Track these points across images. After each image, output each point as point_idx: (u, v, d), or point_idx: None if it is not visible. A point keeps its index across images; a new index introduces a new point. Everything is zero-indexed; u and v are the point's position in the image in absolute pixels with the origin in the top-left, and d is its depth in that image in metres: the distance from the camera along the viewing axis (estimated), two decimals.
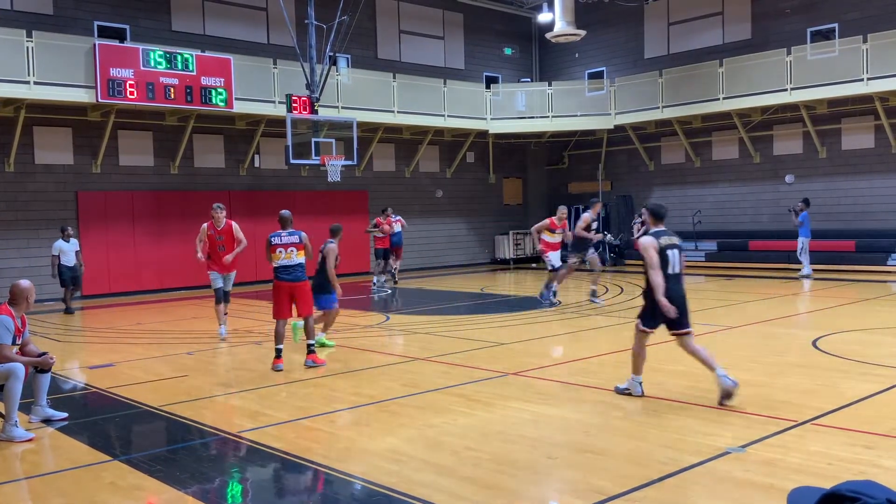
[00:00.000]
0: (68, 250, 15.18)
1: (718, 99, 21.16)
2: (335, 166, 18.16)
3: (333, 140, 18.51)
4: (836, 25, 20.08)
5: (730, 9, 22.69)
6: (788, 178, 21.50)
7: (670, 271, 6.76)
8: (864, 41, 18.53)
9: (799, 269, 18.51)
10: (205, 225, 11.20)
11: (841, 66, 18.91)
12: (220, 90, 17.93)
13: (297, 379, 8.35)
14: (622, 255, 24.02)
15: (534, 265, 25.65)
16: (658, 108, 22.55)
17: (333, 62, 19.00)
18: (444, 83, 22.85)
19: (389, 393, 7.53)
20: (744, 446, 5.44)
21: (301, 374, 8.53)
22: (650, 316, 6.85)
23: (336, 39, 18.26)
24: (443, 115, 22.71)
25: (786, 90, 19.85)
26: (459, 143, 24.82)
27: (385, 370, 8.74)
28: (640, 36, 24.85)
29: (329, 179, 18.44)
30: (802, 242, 18.26)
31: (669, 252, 6.79)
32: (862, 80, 18.55)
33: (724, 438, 5.61)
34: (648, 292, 6.82)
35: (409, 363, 9.12)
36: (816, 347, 9.29)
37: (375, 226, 19.28)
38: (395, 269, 19.86)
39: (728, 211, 22.78)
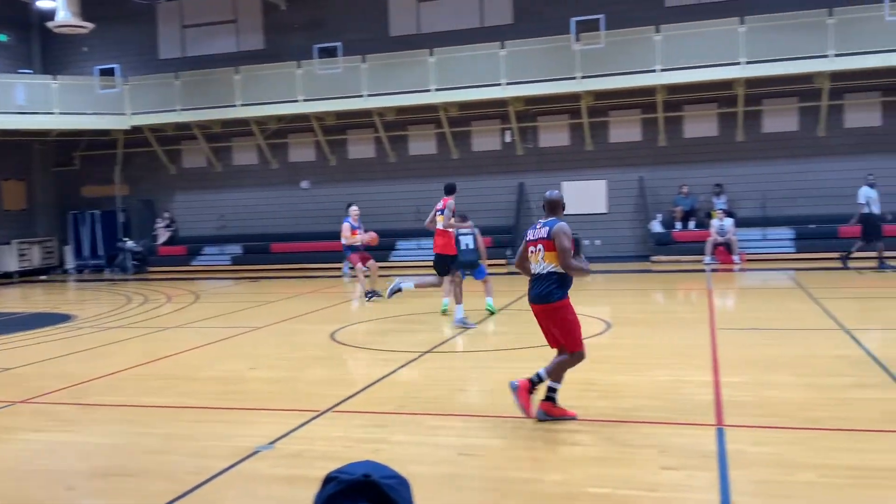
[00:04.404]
0: None
1: (236, 105, 21.59)
2: None
3: None
4: (339, 44, 21.99)
5: (243, 18, 23.31)
6: (304, 184, 22.96)
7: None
8: (364, 61, 20.68)
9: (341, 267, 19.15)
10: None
11: (345, 82, 20.82)
12: None
13: None
14: (146, 261, 23.06)
15: (43, 277, 23.14)
16: (176, 110, 22.13)
17: None
18: None
19: None
20: (272, 442, 5.66)
21: None
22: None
23: None
24: None
25: (298, 101, 21.14)
26: None
27: None
28: (154, 36, 24.09)
29: None
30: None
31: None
32: (363, 95, 20.68)
33: (253, 438, 5.76)
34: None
35: None
36: (334, 340, 10.11)
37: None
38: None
39: (251, 215, 23.41)
